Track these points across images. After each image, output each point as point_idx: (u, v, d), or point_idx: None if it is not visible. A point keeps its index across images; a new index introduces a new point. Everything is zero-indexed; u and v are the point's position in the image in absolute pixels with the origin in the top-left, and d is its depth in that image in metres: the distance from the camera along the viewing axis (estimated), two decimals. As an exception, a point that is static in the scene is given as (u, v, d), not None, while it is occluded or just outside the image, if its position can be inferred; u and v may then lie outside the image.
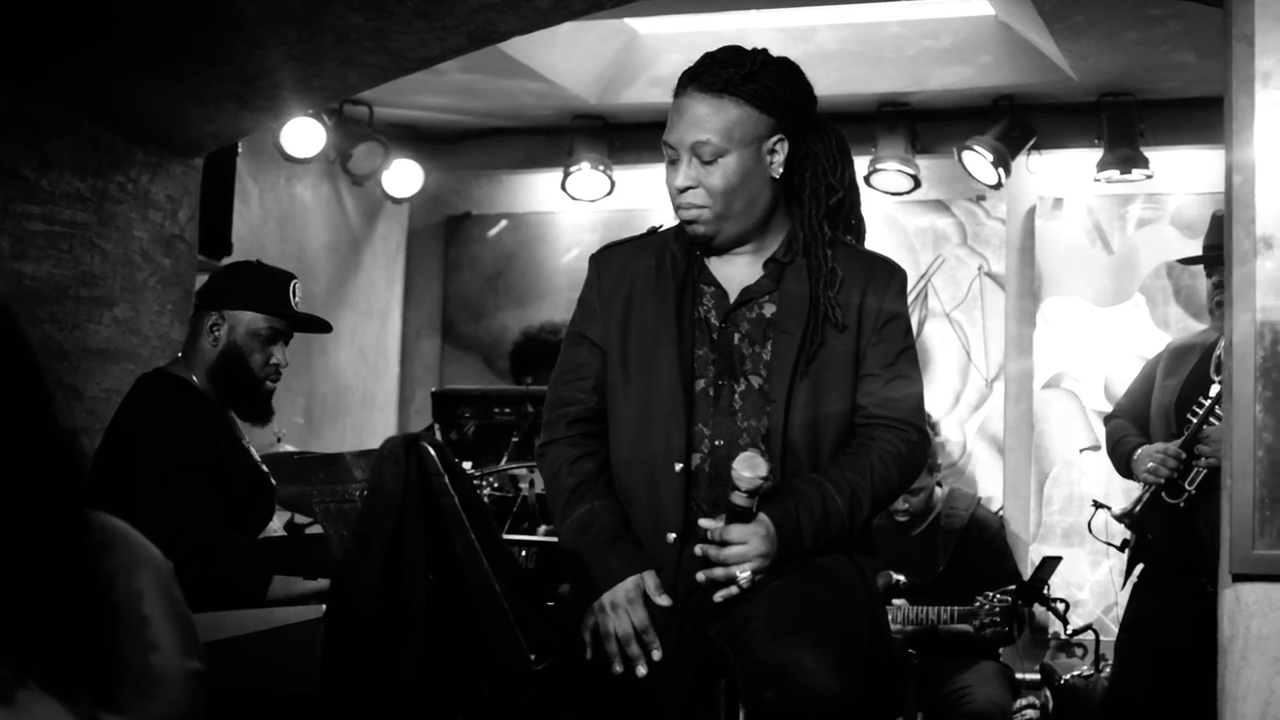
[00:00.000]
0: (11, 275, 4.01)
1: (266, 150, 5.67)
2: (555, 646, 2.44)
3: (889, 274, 2.55)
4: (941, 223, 6.14)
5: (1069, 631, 4.93)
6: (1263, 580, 2.62)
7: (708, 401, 2.48)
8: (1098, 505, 4.35)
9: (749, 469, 2.31)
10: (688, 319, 2.50)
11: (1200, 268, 4.09)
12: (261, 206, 5.89)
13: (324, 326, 3.59)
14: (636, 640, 2.39)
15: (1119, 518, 4.08)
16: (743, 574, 2.36)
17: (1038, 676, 4.94)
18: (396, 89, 5.15)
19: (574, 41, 5.71)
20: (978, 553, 4.79)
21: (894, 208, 6.11)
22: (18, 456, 1.26)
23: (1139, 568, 4.07)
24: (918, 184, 5.90)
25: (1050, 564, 4.65)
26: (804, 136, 2.53)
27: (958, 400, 6.03)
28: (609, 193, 6.23)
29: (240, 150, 5.18)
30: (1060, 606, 4.70)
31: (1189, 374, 3.93)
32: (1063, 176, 5.98)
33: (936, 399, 5.92)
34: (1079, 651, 5.33)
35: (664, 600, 2.41)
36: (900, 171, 5.85)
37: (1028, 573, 4.91)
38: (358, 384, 6.55)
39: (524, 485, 3.66)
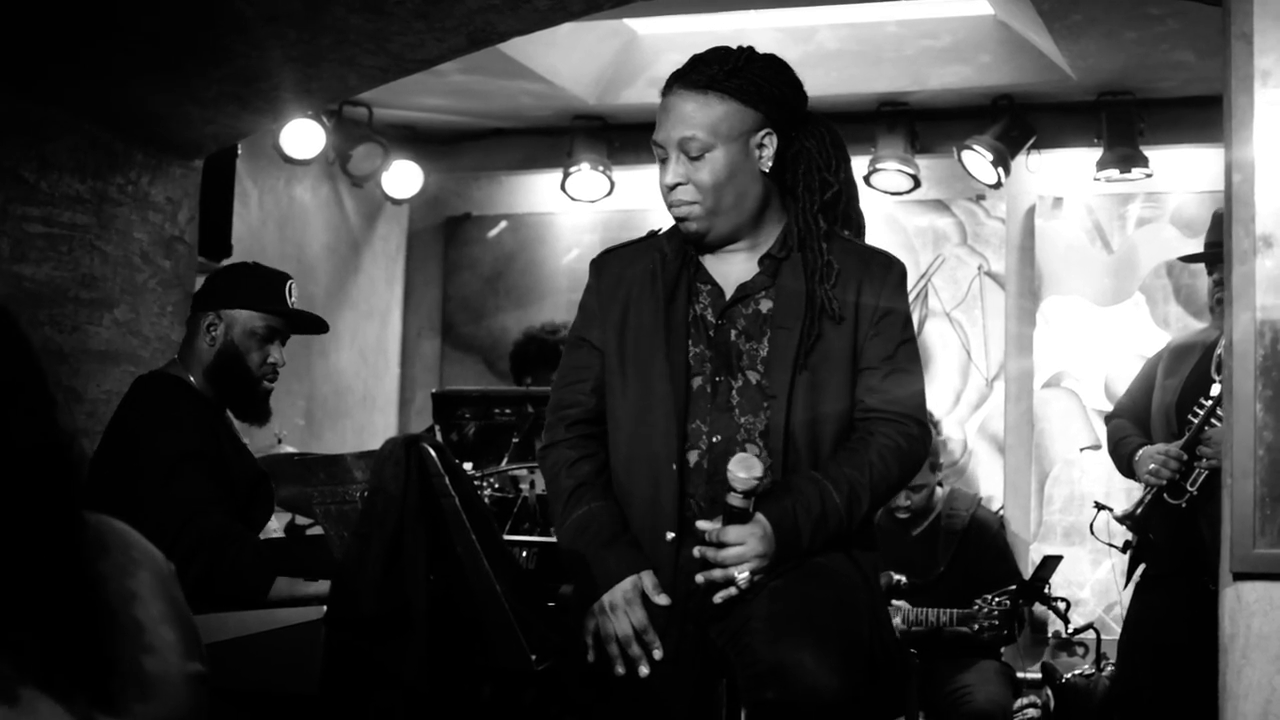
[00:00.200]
0: (11, 277, 4.01)
1: (266, 152, 5.67)
2: (556, 647, 2.44)
3: (886, 267, 2.54)
4: (941, 222, 6.13)
5: (1070, 630, 4.93)
6: (1263, 579, 2.62)
7: (705, 398, 2.47)
8: (1099, 506, 4.34)
9: (744, 470, 2.31)
10: (683, 317, 2.50)
11: (1200, 266, 4.09)
12: (261, 208, 5.89)
13: (321, 326, 3.58)
14: (637, 641, 2.39)
15: (1121, 519, 4.08)
16: (741, 575, 2.35)
17: (1039, 675, 4.94)
18: (396, 90, 5.15)
19: (573, 42, 5.70)
20: (978, 553, 4.79)
21: (894, 207, 6.11)
22: (17, 457, 1.25)
23: (1141, 568, 4.07)
24: (917, 184, 5.90)
25: (1051, 563, 4.65)
26: (795, 132, 2.52)
27: (958, 400, 6.04)
28: (609, 193, 6.22)
29: (240, 152, 5.18)
30: (1061, 605, 4.69)
31: (1189, 373, 3.92)
32: (1062, 176, 5.97)
33: (937, 399, 5.91)
34: (1080, 650, 5.33)
35: (663, 599, 2.41)
36: (900, 171, 5.84)
37: (1028, 572, 4.91)
38: (358, 385, 6.55)
39: (524, 486, 3.65)
